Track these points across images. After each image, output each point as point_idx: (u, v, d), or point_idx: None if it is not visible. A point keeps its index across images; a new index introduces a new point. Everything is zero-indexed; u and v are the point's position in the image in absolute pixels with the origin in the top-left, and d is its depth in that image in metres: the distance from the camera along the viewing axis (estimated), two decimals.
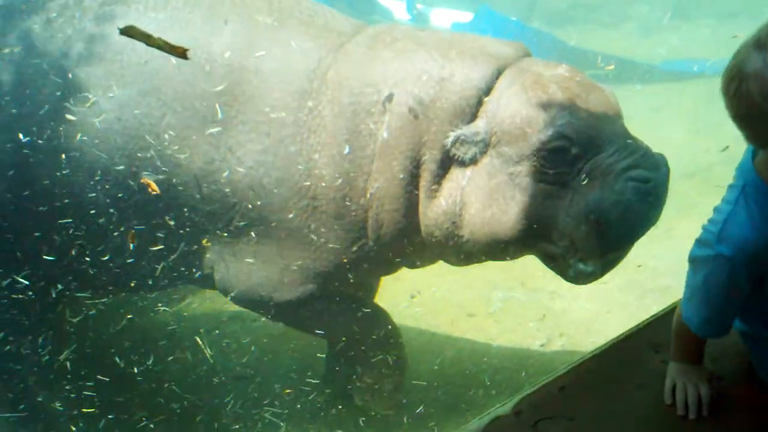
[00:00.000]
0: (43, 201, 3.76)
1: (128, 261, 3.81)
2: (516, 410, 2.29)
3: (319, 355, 4.67)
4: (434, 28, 13.14)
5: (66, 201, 3.74)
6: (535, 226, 3.18)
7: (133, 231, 3.67)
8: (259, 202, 3.54)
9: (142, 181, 3.60)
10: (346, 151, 3.41)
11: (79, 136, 3.63)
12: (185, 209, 3.65)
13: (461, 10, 13.95)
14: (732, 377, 2.27)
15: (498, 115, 3.21)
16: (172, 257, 3.79)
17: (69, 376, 4.27)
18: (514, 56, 3.40)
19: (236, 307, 5.67)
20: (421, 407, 4.31)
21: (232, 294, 3.91)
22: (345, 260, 3.60)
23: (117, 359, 4.49)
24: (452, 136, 3.23)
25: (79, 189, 3.70)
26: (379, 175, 3.40)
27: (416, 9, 14.06)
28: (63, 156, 3.67)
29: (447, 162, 3.32)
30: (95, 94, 3.62)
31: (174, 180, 3.61)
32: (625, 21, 14.63)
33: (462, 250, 3.42)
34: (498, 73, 3.31)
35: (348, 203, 3.48)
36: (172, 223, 3.69)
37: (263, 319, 4.72)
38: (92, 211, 3.73)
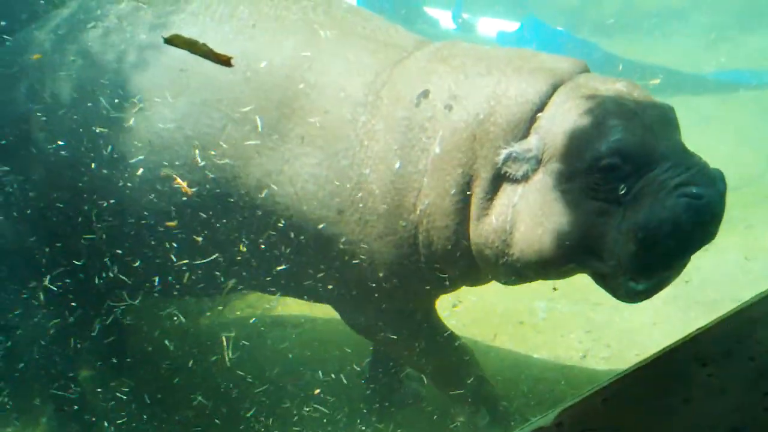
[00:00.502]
0: (104, 208, 3.87)
1: (184, 267, 3.88)
2: (557, 422, 2.26)
3: (354, 366, 4.70)
4: (480, 37, 13.13)
5: (126, 208, 3.84)
6: (585, 244, 3.11)
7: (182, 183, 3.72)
8: (314, 215, 3.56)
9: (175, 183, 3.66)
10: (397, 166, 3.40)
11: (142, 144, 3.73)
12: (241, 220, 3.70)
13: (507, 19, 13.93)
14: None
15: (551, 131, 3.17)
16: (225, 265, 3.86)
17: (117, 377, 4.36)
18: (570, 71, 3.35)
19: (277, 312, 5.77)
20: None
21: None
22: (396, 277, 3.59)
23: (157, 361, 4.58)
24: (504, 153, 3.20)
25: (140, 196, 3.78)
26: (430, 191, 3.39)
27: (462, 18, 14.06)
28: (125, 164, 3.77)
29: (498, 179, 3.28)
30: (159, 103, 3.70)
31: (231, 191, 3.66)
32: (678, 31, 14.42)
33: (512, 268, 3.36)
34: (553, 89, 3.26)
35: (397, 219, 3.47)
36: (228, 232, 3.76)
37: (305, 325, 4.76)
38: (152, 218, 3.82)
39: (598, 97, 3.14)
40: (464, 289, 4.03)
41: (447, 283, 3.69)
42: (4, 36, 4.30)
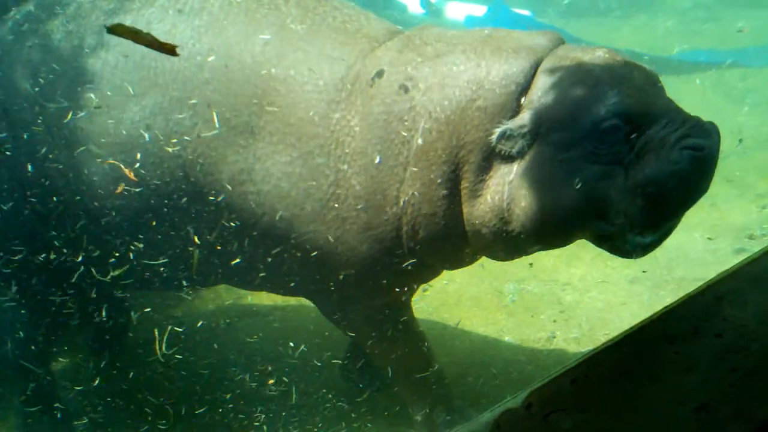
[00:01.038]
0: (72, 206, 3.82)
1: (158, 263, 3.85)
2: (526, 403, 2.25)
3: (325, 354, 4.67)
4: (448, 21, 13.12)
5: (95, 205, 3.78)
6: (591, 207, 3.16)
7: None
8: (288, 214, 3.52)
9: (120, 165, 3.61)
10: (378, 160, 3.38)
11: (109, 142, 3.66)
12: (218, 217, 3.65)
13: (475, 3, 13.93)
14: None
15: (545, 104, 3.18)
16: (209, 260, 3.83)
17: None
18: (549, 46, 3.37)
19: (247, 302, 5.73)
20: None
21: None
22: (376, 271, 3.58)
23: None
24: (497, 132, 3.19)
25: (111, 192, 3.72)
26: (415, 182, 3.37)
27: (430, 3, 14.03)
28: (92, 161, 3.70)
29: (490, 160, 3.28)
30: (127, 101, 3.62)
31: (204, 189, 3.60)
32: (646, 13, 14.54)
33: (513, 244, 3.37)
34: (536, 65, 3.27)
35: (379, 213, 3.45)
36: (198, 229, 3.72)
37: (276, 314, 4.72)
38: (123, 214, 3.77)
39: (586, 65, 3.19)
40: None
41: (429, 272, 3.71)
42: None
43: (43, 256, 3.90)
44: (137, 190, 3.65)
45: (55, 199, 3.84)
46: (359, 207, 3.45)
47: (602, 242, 3.35)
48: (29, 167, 3.81)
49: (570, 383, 2.30)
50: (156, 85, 3.60)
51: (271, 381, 4.47)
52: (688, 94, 9.63)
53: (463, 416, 4.09)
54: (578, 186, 3.12)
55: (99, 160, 3.67)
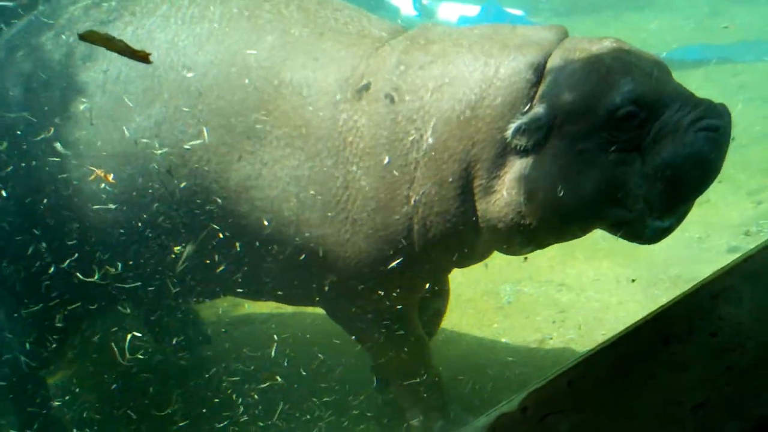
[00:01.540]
0: (76, 218, 3.79)
1: (168, 274, 3.83)
2: (522, 406, 2.24)
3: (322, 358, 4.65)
4: (441, 22, 13.14)
5: (107, 215, 3.74)
6: (609, 195, 3.19)
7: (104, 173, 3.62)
8: (296, 218, 3.51)
9: (97, 174, 3.58)
10: (387, 160, 3.37)
11: (113, 153, 3.64)
12: (226, 224, 3.63)
13: (468, 4, 13.95)
14: None
15: (559, 97, 3.19)
16: (213, 269, 3.80)
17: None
18: (556, 39, 3.38)
19: (242, 312, 5.71)
20: None
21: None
22: (387, 271, 3.56)
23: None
24: (512, 127, 3.20)
25: (119, 204, 3.70)
26: (426, 181, 3.37)
27: (422, 4, 14.05)
28: (99, 171, 3.65)
29: (504, 155, 3.28)
30: (133, 112, 3.61)
31: (212, 196, 3.59)
32: (635, 10, 14.58)
33: (529, 237, 3.40)
34: (545, 59, 3.29)
35: (390, 213, 3.44)
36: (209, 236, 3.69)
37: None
38: (127, 228, 3.74)
39: (595, 55, 3.21)
40: None
41: (438, 271, 3.72)
42: None
43: (49, 268, 3.88)
44: (144, 200, 3.64)
45: (59, 211, 3.81)
46: (369, 208, 3.44)
47: (618, 230, 3.37)
48: (33, 179, 3.80)
49: (566, 385, 2.29)
50: (160, 94, 3.59)
51: (267, 383, 4.47)
52: None
53: (458, 421, 4.08)
54: (598, 175, 3.16)
55: (103, 171, 3.64)
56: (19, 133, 3.76)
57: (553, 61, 3.27)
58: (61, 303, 3.99)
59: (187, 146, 3.54)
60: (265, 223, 3.55)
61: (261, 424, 4.41)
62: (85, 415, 4.65)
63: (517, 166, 3.27)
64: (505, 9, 13.35)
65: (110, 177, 3.56)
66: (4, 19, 4.16)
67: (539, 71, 3.26)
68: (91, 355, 5.10)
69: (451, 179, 3.34)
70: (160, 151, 3.57)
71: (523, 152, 3.24)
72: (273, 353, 4.29)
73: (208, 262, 3.73)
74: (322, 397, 4.58)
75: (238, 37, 3.61)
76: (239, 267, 3.75)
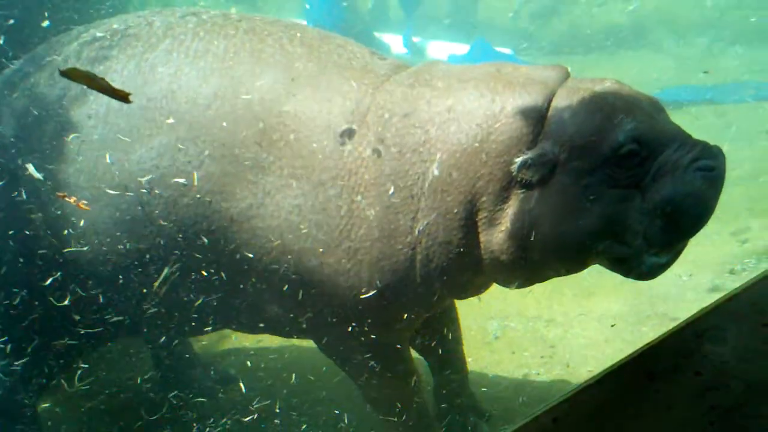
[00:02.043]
0: (79, 244, 3.78)
1: (166, 305, 3.84)
2: None
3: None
4: (431, 60, 13.26)
5: (104, 247, 3.75)
6: (611, 230, 3.26)
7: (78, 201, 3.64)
8: (297, 247, 3.53)
9: (67, 199, 3.60)
10: (391, 191, 3.42)
11: (115, 185, 3.66)
12: (225, 255, 3.64)
13: (457, 42, 14.13)
14: None
15: (563, 133, 3.27)
16: (212, 300, 3.81)
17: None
18: (559, 78, 3.47)
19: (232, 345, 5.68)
20: None
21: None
22: (388, 301, 3.58)
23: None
24: (519, 161, 3.26)
25: (119, 235, 3.71)
26: (430, 212, 3.42)
27: (413, 43, 14.22)
28: (101, 203, 3.69)
29: (508, 189, 3.35)
30: (134, 143, 3.63)
31: (213, 227, 3.61)
32: (627, 51, 14.79)
33: (531, 270, 3.46)
34: (550, 97, 3.37)
35: (393, 243, 3.47)
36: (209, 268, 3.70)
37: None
38: (130, 257, 3.73)
39: (598, 94, 3.30)
40: None
41: (437, 301, 3.73)
42: None
43: (45, 301, 3.87)
44: (144, 231, 3.65)
45: (57, 242, 3.82)
46: (373, 237, 3.47)
47: (616, 265, 3.42)
48: (31, 214, 3.82)
49: (552, 422, 2.29)
50: (162, 126, 3.62)
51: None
52: None
53: None
54: (600, 210, 3.23)
55: (103, 202, 3.68)
56: (19, 165, 3.78)
57: (558, 100, 3.35)
58: (58, 335, 3.98)
59: (182, 181, 3.56)
60: (266, 252, 3.57)
61: None
62: None
63: (521, 200, 3.33)
64: (494, 48, 13.52)
65: (83, 204, 3.57)
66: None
67: (544, 109, 3.33)
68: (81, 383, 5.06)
69: (455, 211, 3.39)
70: (161, 182, 3.59)
71: (528, 186, 3.31)
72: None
73: (209, 293, 3.75)
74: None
75: (241, 70, 3.65)
76: (238, 297, 3.76)
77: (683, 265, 6.29)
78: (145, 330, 4.19)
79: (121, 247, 3.72)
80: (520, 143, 3.30)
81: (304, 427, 4.68)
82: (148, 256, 3.71)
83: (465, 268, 3.53)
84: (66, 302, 3.82)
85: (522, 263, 3.41)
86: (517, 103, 3.36)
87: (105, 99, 3.70)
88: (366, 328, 3.69)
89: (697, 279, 6.09)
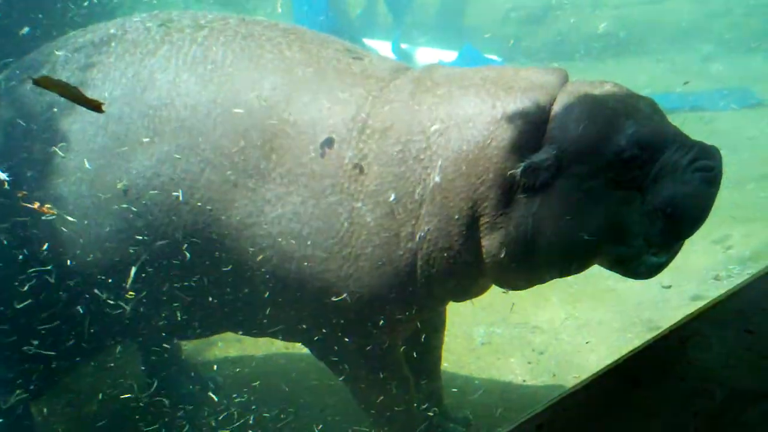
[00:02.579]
0: (80, 253, 3.75)
1: (166, 312, 3.83)
2: None
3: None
4: (430, 64, 13.29)
5: (102, 255, 3.72)
6: (613, 232, 3.31)
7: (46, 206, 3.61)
8: (298, 254, 3.53)
9: (35, 207, 3.56)
10: (393, 197, 3.43)
11: (117, 191, 3.63)
12: (225, 262, 3.64)
13: (445, 49, 14.17)
14: None
15: (566, 138, 3.30)
16: (212, 306, 3.81)
17: None
18: (559, 82, 3.50)
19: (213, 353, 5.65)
20: None
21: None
22: (387, 306, 3.60)
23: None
24: (522, 166, 3.28)
25: (118, 242, 3.69)
26: (432, 218, 3.43)
27: (401, 49, 14.24)
28: (101, 210, 3.66)
29: (510, 193, 3.37)
30: (133, 151, 3.61)
31: (213, 234, 3.60)
32: (614, 57, 14.87)
33: (532, 272, 3.51)
34: (551, 101, 3.39)
35: (394, 248, 3.48)
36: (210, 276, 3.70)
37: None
38: (130, 265, 3.70)
39: (599, 98, 3.34)
40: None
41: (435, 306, 3.78)
42: None
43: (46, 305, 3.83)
44: (146, 239, 3.63)
45: (56, 248, 3.78)
46: (374, 243, 3.48)
47: (616, 265, 3.48)
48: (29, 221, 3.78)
49: (536, 429, 2.28)
50: (163, 134, 3.59)
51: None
52: None
53: None
54: (602, 212, 3.27)
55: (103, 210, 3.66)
56: (20, 170, 3.75)
57: (559, 104, 3.37)
58: (58, 340, 3.94)
59: (182, 189, 3.55)
60: (266, 259, 3.57)
61: None
62: None
63: (523, 204, 3.35)
64: (483, 54, 13.56)
65: (47, 209, 3.55)
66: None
67: (545, 113, 3.36)
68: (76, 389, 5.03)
69: (456, 216, 3.41)
70: (161, 190, 3.57)
71: (531, 191, 3.33)
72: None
73: (209, 298, 3.74)
74: None
75: (240, 76, 3.63)
76: (238, 303, 3.76)
77: (668, 272, 6.33)
78: (141, 337, 4.15)
79: (123, 255, 3.70)
80: (522, 148, 3.32)
81: None
82: (148, 263, 3.69)
83: (466, 273, 3.55)
84: (65, 309, 3.82)
85: (524, 266, 3.45)
86: (519, 108, 3.38)
87: (105, 106, 3.68)
88: (365, 333, 3.70)
89: (681, 286, 6.12)
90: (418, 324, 4.07)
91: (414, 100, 3.54)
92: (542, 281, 3.60)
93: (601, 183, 3.27)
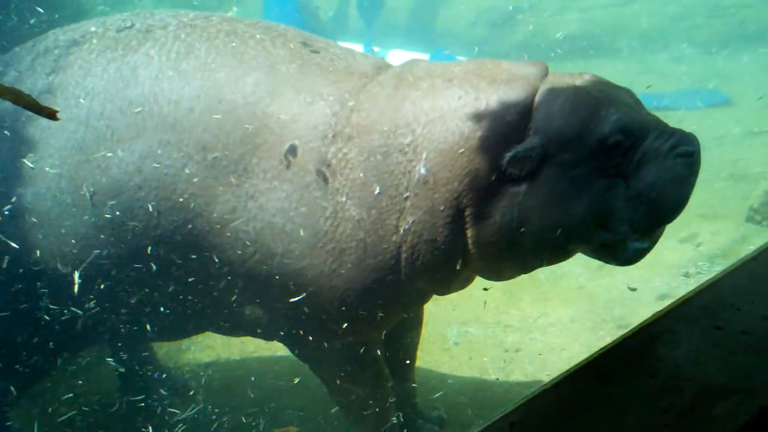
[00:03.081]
0: (59, 252, 3.72)
1: (149, 310, 3.80)
2: None
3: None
4: (413, 59, 13.32)
5: (83, 252, 3.68)
6: (598, 219, 3.35)
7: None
8: (281, 249, 3.52)
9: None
10: (377, 191, 3.44)
11: (95, 189, 3.61)
12: (207, 258, 3.62)
13: (417, 51, 14.21)
14: None
15: (551, 127, 3.33)
16: (194, 304, 3.78)
17: None
18: (540, 74, 3.54)
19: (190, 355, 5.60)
20: None
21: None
22: (371, 300, 3.60)
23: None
24: (508, 155, 3.31)
25: (99, 239, 3.66)
26: (417, 210, 3.44)
27: (373, 51, 14.25)
28: (82, 207, 3.63)
29: (496, 184, 3.39)
30: (115, 147, 3.58)
31: (195, 230, 3.58)
32: (586, 58, 15.00)
33: (518, 261, 3.54)
34: (533, 93, 3.42)
35: (379, 242, 3.49)
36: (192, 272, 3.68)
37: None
38: (110, 262, 3.68)
39: (581, 88, 3.38)
40: None
41: (418, 300, 3.80)
42: None
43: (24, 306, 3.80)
44: (126, 235, 3.60)
45: (34, 247, 3.76)
46: (358, 237, 3.48)
47: (601, 252, 3.54)
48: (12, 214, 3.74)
49: (508, 427, 2.28)
50: (145, 130, 3.58)
51: None
52: None
53: None
54: (588, 199, 3.32)
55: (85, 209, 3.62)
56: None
57: (542, 95, 3.41)
58: (37, 341, 3.91)
59: (165, 184, 3.54)
60: (250, 255, 3.55)
61: None
62: None
63: (509, 194, 3.37)
64: (455, 57, 13.62)
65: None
66: None
67: (529, 104, 3.39)
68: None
69: (442, 208, 3.42)
70: (143, 186, 3.55)
71: (516, 180, 3.36)
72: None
73: (189, 297, 3.72)
74: None
75: (224, 72, 3.63)
76: (220, 300, 3.73)
77: (639, 269, 6.41)
78: (119, 338, 4.10)
79: (103, 252, 3.67)
80: (506, 139, 3.34)
81: None
82: (129, 260, 3.66)
83: (450, 265, 3.56)
84: (42, 308, 3.78)
85: (510, 255, 3.48)
86: (502, 100, 3.40)
87: (87, 102, 3.66)
88: (347, 328, 3.69)
89: (652, 283, 6.18)
90: (399, 324, 4.07)
91: (398, 94, 3.56)
92: (526, 271, 3.63)
93: (586, 171, 3.31)
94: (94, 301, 3.78)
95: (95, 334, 4.00)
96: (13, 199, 3.70)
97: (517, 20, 16.50)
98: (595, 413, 2.27)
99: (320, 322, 3.67)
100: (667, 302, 2.44)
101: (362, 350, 3.84)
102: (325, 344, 3.79)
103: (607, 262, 3.58)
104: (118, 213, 3.60)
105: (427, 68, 3.72)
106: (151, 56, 3.70)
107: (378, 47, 14.74)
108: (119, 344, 4.56)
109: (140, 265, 3.66)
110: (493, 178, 3.37)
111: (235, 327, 3.92)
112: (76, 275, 3.64)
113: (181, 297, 3.74)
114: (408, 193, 3.45)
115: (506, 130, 3.35)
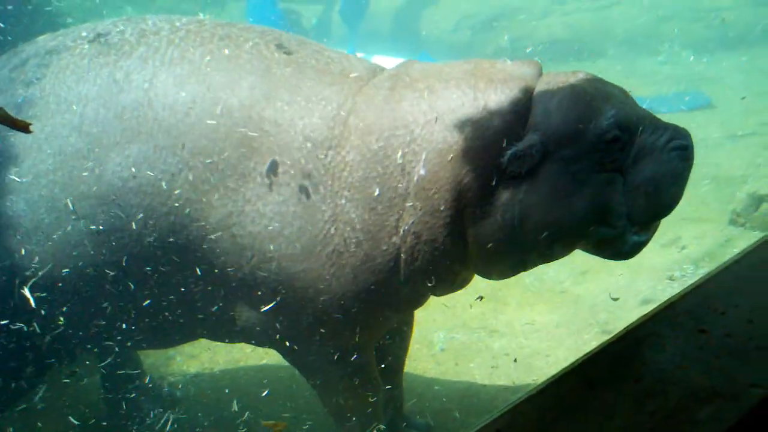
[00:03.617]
0: (60, 259, 3.69)
1: (142, 316, 3.78)
2: None
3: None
4: (407, 60, 13.33)
5: (81, 259, 3.66)
6: (598, 213, 3.39)
7: None
8: (279, 253, 3.50)
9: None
10: (377, 192, 3.44)
11: (89, 195, 3.58)
12: (203, 263, 3.60)
13: (401, 57, 14.21)
14: None
15: (549, 124, 3.36)
16: (192, 312, 3.76)
17: None
18: (535, 73, 3.58)
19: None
20: None
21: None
22: (368, 303, 3.59)
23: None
24: (509, 153, 3.33)
25: (95, 246, 3.63)
26: (416, 211, 3.45)
27: (356, 57, 14.24)
28: (77, 213, 3.61)
29: (495, 182, 3.40)
30: (109, 152, 3.56)
31: (191, 235, 3.56)
32: (571, 61, 15.09)
33: (519, 259, 3.55)
34: (530, 91, 3.46)
35: (378, 243, 3.49)
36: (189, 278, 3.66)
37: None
38: (108, 268, 3.65)
39: (577, 85, 3.43)
40: None
41: (416, 301, 3.79)
42: None
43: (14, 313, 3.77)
44: (122, 241, 3.58)
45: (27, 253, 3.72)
46: (357, 240, 3.48)
47: (599, 247, 3.57)
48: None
49: None
50: (139, 134, 3.56)
51: None
52: None
53: None
54: (589, 195, 3.36)
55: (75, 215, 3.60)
56: None
57: (539, 93, 3.45)
58: (25, 351, 3.88)
59: (160, 190, 3.52)
60: (247, 260, 3.53)
61: None
62: None
63: (510, 191, 3.39)
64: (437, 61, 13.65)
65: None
66: None
67: (527, 102, 3.42)
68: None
69: (442, 208, 3.43)
70: (138, 191, 3.53)
71: (516, 178, 3.37)
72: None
73: (185, 303, 3.70)
74: None
75: (219, 77, 3.61)
76: (216, 306, 3.72)
77: (623, 273, 6.44)
78: (113, 344, 4.06)
79: (99, 258, 3.64)
80: (506, 137, 3.36)
81: None
82: (125, 266, 3.63)
83: (449, 265, 3.57)
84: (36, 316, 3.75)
85: (510, 253, 3.50)
86: (500, 99, 3.43)
87: (80, 108, 3.63)
88: (343, 332, 3.69)
89: (637, 286, 6.20)
90: (391, 330, 4.05)
91: (394, 95, 3.56)
92: (526, 268, 3.64)
93: (585, 166, 3.35)
94: (89, 308, 3.75)
95: (86, 342, 3.97)
96: (6, 207, 3.67)
97: (501, 25, 16.60)
98: (581, 418, 2.27)
99: (318, 326, 3.65)
100: (651, 306, 2.45)
101: (357, 355, 3.82)
102: (320, 349, 3.76)
103: (605, 257, 3.62)
104: (112, 219, 3.57)
105: (422, 69, 3.73)
106: (145, 61, 3.68)
107: (361, 53, 14.74)
108: (108, 353, 4.53)
109: (136, 271, 3.63)
110: (492, 178, 3.39)
111: (230, 332, 3.89)
112: (26, 289, 3.59)
113: (176, 302, 3.71)
114: (407, 194, 3.46)
115: (505, 129, 3.37)
